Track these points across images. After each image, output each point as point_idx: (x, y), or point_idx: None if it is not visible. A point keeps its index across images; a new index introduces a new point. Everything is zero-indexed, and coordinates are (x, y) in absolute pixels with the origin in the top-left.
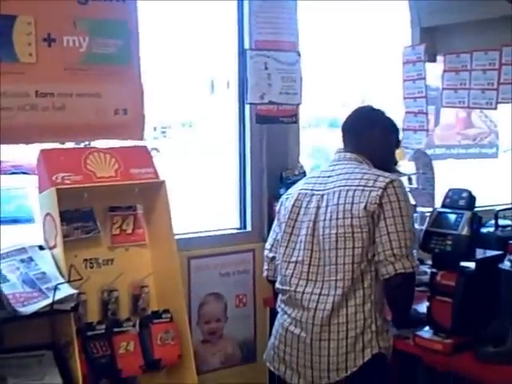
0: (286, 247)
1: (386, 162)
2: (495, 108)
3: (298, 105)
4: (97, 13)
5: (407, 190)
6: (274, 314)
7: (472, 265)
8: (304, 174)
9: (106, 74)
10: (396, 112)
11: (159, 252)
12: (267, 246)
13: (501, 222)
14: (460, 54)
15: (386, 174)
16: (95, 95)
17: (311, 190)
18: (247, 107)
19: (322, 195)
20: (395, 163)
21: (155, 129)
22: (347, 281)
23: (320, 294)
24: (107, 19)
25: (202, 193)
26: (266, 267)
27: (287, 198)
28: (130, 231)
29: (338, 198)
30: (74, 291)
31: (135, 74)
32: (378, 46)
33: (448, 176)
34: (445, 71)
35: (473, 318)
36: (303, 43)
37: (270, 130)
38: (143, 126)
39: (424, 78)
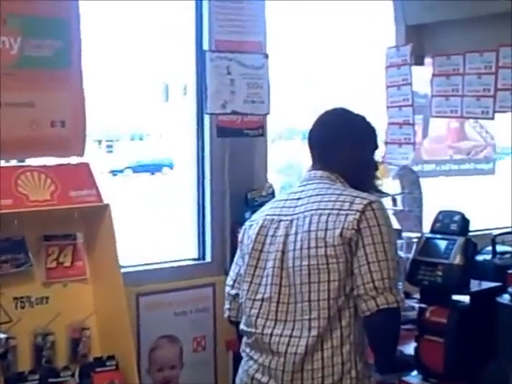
0: (251, 283)
1: (363, 180)
2: (492, 118)
3: (265, 115)
4: (31, 8)
5: (391, 212)
6: (237, 359)
7: (466, 299)
8: (273, 195)
9: (41, 80)
10: (378, 123)
11: (103, 288)
12: (229, 281)
13: (499, 248)
14: (451, 55)
15: (364, 195)
16: (28, 104)
17: (278, 215)
18: (206, 118)
19: (291, 221)
20: (374, 181)
21: (100, 143)
22: (323, 320)
23: (291, 336)
24: (44, 16)
25: (154, 218)
26: (227, 306)
27: (251, 226)
28: (68, 264)
29: (310, 223)
30: (2, 336)
31: (76, 80)
32: (357, 48)
33: (438, 196)
34: (434, 76)
35: (468, 361)
36: (271, 44)
37: (233, 144)
38: (84, 140)
39: (410, 84)
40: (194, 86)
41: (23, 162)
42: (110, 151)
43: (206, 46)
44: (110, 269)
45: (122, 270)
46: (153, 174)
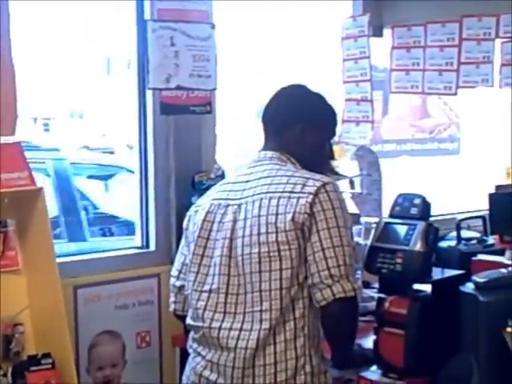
0: (197, 273)
1: (316, 162)
2: (455, 93)
3: (212, 90)
4: None
5: (348, 195)
6: (185, 355)
7: (427, 288)
8: (222, 177)
9: None
10: (334, 100)
11: (37, 280)
12: (173, 272)
13: (464, 233)
14: (411, 26)
15: (318, 176)
16: None
17: (225, 199)
18: (149, 93)
19: (239, 205)
20: (329, 161)
21: (35, 120)
22: (275, 311)
23: (241, 330)
24: None
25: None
26: (172, 299)
27: (196, 211)
28: None
29: (259, 208)
30: None
31: (3, 52)
32: (312, 18)
33: (399, 178)
34: (393, 48)
35: (430, 354)
36: (219, 13)
37: (179, 122)
38: (15, 117)
39: (368, 57)
40: (135, 58)
41: None
42: (47, 130)
43: (147, 16)
44: (45, 259)
45: (58, 260)
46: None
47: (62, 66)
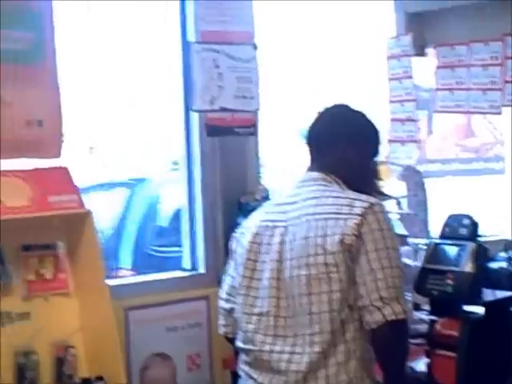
0: (246, 296)
1: (362, 181)
2: (499, 112)
3: (255, 111)
4: None
5: (396, 216)
6: (236, 378)
7: (479, 309)
8: (267, 198)
9: (13, 75)
10: (379, 119)
11: (88, 302)
12: (222, 294)
13: None
14: (455, 45)
15: (364, 197)
16: (5, 101)
17: (272, 220)
18: (194, 116)
19: (286, 227)
20: (375, 181)
21: (80, 142)
22: (325, 334)
23: (292, 353)
24: (15, 6)
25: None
26: (222, 322)
27: (243, 233)
28: (49, 276)
29: (307, 229)
30: None
31: (51, 76)
32: (356, 37)
33: (445, 198)
34: (438, 67)
35: (482, 376)
36: (260, 34)
37: (224, 143)
38: (61, 140)
39: (411, 77)
40: (180, 81)
41: None
42: (91, 153)
43: (191, 38)
44: (96, 281)
45: (109, 283)
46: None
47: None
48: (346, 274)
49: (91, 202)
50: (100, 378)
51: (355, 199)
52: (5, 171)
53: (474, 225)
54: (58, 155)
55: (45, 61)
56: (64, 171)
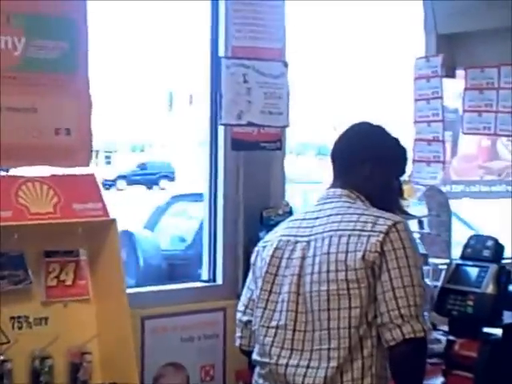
0: (265, 309)
1: (386, 199)
2: None
3: (283, 127)
4: (37, 7)
5: (417, 236)
6: None
7: (498, 331)
8: (290, 213)
9: (45, 84)
10: (405, 139)
11: (106, 309)
12: (240, 307)
13: None
14: (485, 68)
15: (388, 215)
16: (31, 110)
17: (295, 235)
18: (221, 129)
19: (309, 242)
20: (399, 199)
21: (97, 153)
22: (343, 350)
23: (308, 367)
24: (50, 16)
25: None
26: (239, 334)
27: (265, 247)
28: (69, 282)
29: (329, 245)
30: None
31: (82, 86)
32: (384, 57)
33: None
34: (466, 89)
35: None
36: (290, 51)
37: (249, 158)
38: (90, 149)
39: (441, 98)
40: (207, 94)
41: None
42: (108, 162)
43: (221, 53)
44: (115, 289)
45: (127, 291)
46: (149, 188)
47: (124, 99)
48: (366, 291)
49: None
50: None
51: (379, 217)
52: (31, 177)
53: (499, 246)
54: (86, 164)
55: (77, 70)
56: (91, 178)
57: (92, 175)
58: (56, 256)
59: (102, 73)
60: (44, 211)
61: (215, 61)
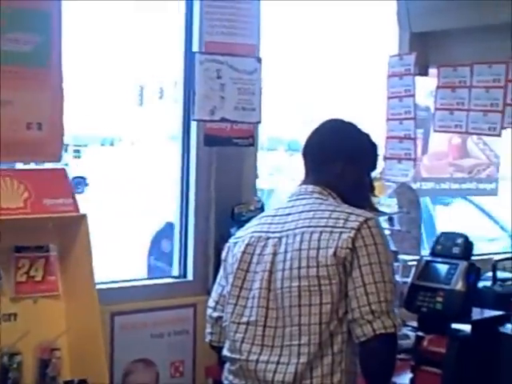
0: (235, 305)
1: (357, 196)
2: (499, 134)
3: (256, 123)
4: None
5: (387, 232)
6: None
7: (467, 327)
8: (262, 209)
9: (18, 77)
10: (377, 136)
11: (76, 306)
12: (210, 303)
13: (500, 274)
14: (458, 66)
15: (359, 212)
16: (8, 103)
17: (266, 232)
18: (193, 125)
19: (280, 238)
20: (370, 196)
21: (66, 147)
22: (313, 346)
23: (278, 363)
24: (24, 9)
25: (130, 232)
26: (209, 330)
27: (236, 243)
28: (39, 278)
29: (301, 242)
30: None
31: (55, 79)
32: (357, 54)
33: (438, 216)
34: (438, 87)
35: None
36: (265, 48)
37: (221, 153)
38: (61, 144)
39: (413, 96)
40: (180, 89)
41: None
42: (78, 156)
43: (195, 48)
44: (85, 285)
45: (97, 287)
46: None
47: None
48: (337, 287)
49: None
50: (83, 381)
51: (351, 213)
52: (1, 172)
53: (469, 244)
54: (57, 159)
55: (50, 63)
56: (61, 173)
57: (63, 170)
58: (26, 251)
59: (73, 66)
60: (14, 206)
61: (189, 56)
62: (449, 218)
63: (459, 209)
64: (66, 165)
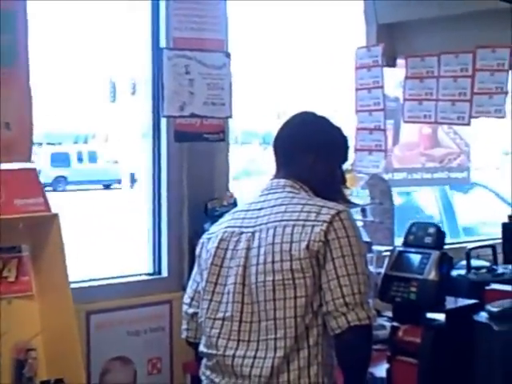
0: (211, 301)
1: (329, 189)
2: (468, 123)
3: (226, 118)
4: None
5: (360, 224)
6: (196, 382)
7: (441, 317)
8: (235, 204)
9: None
10: (347, 128)
11: (50, 305)
12: (186, 299)
13: (473, 262)
14: (425, 56)
15: (331, 204)
16: None
17: (239, 226)
18: (163, 121)
19: (253, 233)
20: (342, 188)
21: (40, 145)
22: (289, 339)
23: (255, 357)
24: None
25: (104, 229)
26: (185, 326)
27: (209, 239)
28: (12, 279)
29: (274, 236)
30: None
31: (22, 79)
32: (325, 47)
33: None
34: (407, 78)
35: (443, 383)
36: (233, 43)
37: (192, 149)
38: (31, 144)
39: (382, 87)
40: (149, 86)
41: None
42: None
43: (163, 44)
44: (59, 284)
45: (71, 286)
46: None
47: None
48: (311, 280)
49: None
50: (60, 381)
51: (323, 206)
52: None
53: (441, 233)
54: (27, 159)
55: (17, 63)
56: (31, 173)
57: (33, 170)
58: None
59: (43, 64)
60: None
61: (156, 52)
62: (468, 205)
63: (478, 196)
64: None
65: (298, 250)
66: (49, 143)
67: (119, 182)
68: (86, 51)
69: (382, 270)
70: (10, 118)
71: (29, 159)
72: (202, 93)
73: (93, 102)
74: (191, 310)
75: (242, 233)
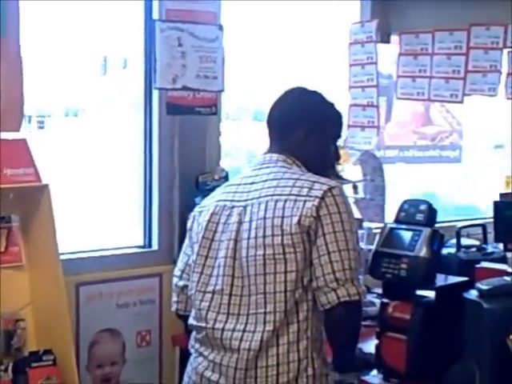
0: (201, 274)
1: (322, 164)
2: (461, 101)
3: (219, 92)
4: None
5: (351, 200)
6: (185, 355)
7: (431, 294)
8: (226, 178)
9: None
10: (340, 104)
11: (40, 276)
12: (176, 272)
13: (463, 241)
14: (419, 33)
15: (324, 180)
16: None
17: (231, 200)
18: (155, 93)
19: (245, 207)
20: (335, 164)
21: (30, 118)
22: (279, 313)
23: (244, 331)
24: None
25: (94, 201)
26: (175, 299)
27: (201, 212)
28: (2, 249)
29: (265, 210)
30: None
31: (13, 50)
32: (319, 22)
33: (402, 184)
34: (400, 55)
35: (432, 360)
36: (226, 16)
37: (184, 122)
38: (21, 114)
39: (375, 63)
40: (141, 58)
41: None
42: (41, 127)
43: (155, 16)
44: (48, 255)
45: (61, 257)
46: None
47: (57, 63)
48: (302, 255)
49: None
50: (49, 351)
51: (315, 182)
52: None
53: (432, 211)
54: (17, 129)
55: (7, 34)
56: (22, 143)
57: (23, 140)
58: None
59: (33, 36)
60: None
61: (149, 24)
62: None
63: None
64: None
65: (289, 224)
66: (39, 116)
67: None
68: (77, 23)
69: (373, 247)
70: (1, 88)
71: (18, 129)
72: (195, 66)
73: (84, 75)
74: (181, 283)
75: (233, 207)
